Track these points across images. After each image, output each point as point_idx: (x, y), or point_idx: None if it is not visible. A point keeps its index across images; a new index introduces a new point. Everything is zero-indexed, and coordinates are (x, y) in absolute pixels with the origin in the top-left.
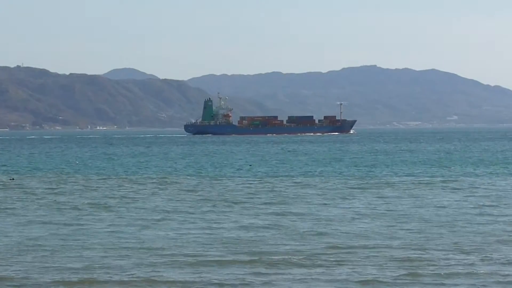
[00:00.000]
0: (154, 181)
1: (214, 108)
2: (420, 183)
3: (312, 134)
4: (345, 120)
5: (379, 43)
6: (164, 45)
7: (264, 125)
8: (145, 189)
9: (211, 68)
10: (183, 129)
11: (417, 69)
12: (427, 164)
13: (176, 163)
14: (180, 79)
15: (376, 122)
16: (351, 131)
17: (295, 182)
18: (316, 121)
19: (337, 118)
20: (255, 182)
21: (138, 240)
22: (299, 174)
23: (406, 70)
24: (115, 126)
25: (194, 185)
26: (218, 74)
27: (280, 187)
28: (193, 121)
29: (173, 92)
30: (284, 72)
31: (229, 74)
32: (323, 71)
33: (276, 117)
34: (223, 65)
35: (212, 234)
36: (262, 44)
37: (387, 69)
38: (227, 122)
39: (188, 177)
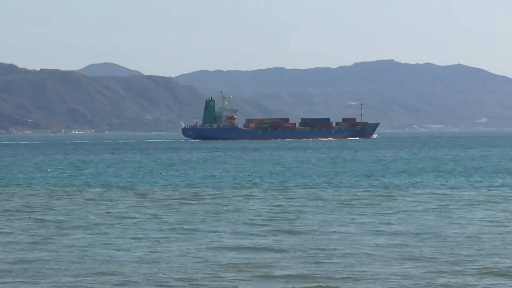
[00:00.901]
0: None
1: (216, 109)
2: None
3: (329, 139)
4: (367, 123)
5: (397, 34)
6: (150, 36)
7: (274, 128)
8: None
9: (204, 63)
10: (181, 133)
11: (441, 64)
12: None
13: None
14: (167, 75)
15: (393, 125)
16: (374, 136)
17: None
18: (334, 124)
19: (357, 121)
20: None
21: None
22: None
23: (427, 66)
24: (93, 130)
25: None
26: (211, 70)
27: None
28: (194, 123)
29: (160, 91)
30: (287, 67)
31: (224, 70)
32: (332, 67)
33: (287, 120)
34: (217, 59)
35: None
36: (262, 36)
37: (406, 64)
38: (231, 125)
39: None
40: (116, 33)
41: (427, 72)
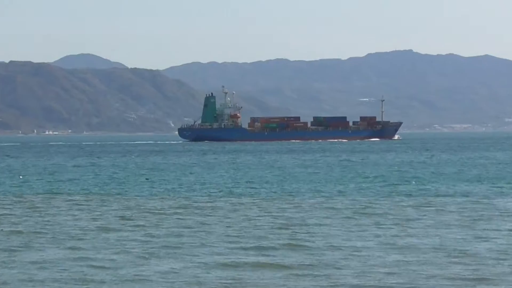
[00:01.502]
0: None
1: (218, 106)
2: None
3: (346, 140)
4: (388, 122)
5: (416, 21)
6: (134, 24)
7: (283, 128)
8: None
9: (196, 55)
10: (178, 134)
11: (466, 55)
12: None
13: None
14: (154, 68)
15: (411, 125)
16: (396, 137)
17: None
18: (350, 124)
19: (377, 120)
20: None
21: None
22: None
23: (451, 57)
24: (70, 131)
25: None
26: (204, 62)
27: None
28: (192, 122)
29: (146, 86)
30: (291, 59)
31: (219, 61)
32: (342, 58)
33: (298, 118)
34: (211, 50)
35: None
36: (262, 23)
37: (427, 55)
38: (234, 124)
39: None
40: (96, 20)
41: (450, 64)
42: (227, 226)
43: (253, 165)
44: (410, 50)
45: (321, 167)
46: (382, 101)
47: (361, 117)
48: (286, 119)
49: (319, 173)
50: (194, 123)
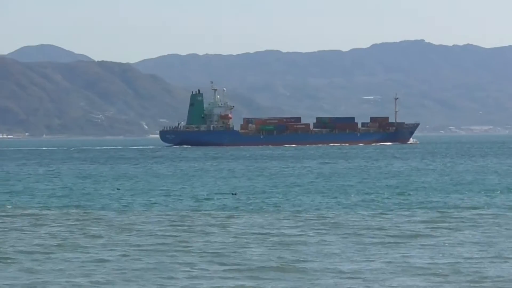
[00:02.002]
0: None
1: (205, 105)
2: None
3: (354, 144)
4: (403, 123)
5: (429, 7)
6: (102, 10)
7: (281, 130)
8: None
9: (173, 46)
10: (159, 137)
11: (486, 46)
12: None
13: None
14: (125, 61)
15: (423, 127)
16: (411, 140)
17: None
18: (359, 125)
19: (390, 121)
20: None
21: None
22: None
23: (469, 48)
24: (27, 134)
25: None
26: (183, 54)
27: None
28: (177, 124)
29: (115, 82)
30: (284, 50)
31: (200, 53)
32: (343, 50)
33: (298, 119)
34: (191, 40)
35: None
36: (251, 9)
37: (441, 46)
38: (225, 126)
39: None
40: (58, 6)
41: (468, 56)
42: (205, 244)
43: (248, 173)
44: (422, 40)
45: (324, 174)
46: (396, 99)
47: (371, 118)
48: (285, 120)
49: (317, 182)
50: (178, 125)
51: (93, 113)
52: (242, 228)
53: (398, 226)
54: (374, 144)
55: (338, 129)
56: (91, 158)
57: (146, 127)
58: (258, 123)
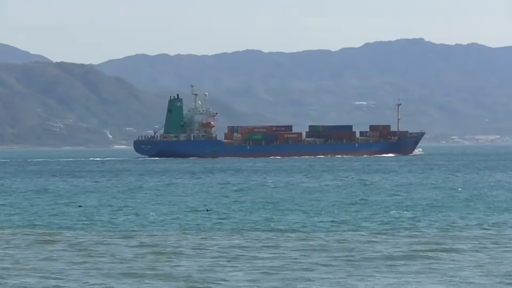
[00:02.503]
0: None
1: (185, 112)
2: None
3: (351, 155)
4: (406, 132)
5: (429, 3)
6: (60, 5)
7: (270, 140)
8: None
9: (141, 45)
10: (133, 148)
11: (493, 45)
12: None
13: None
14: (87, 62)
15: (423, 136)
16: (416, 151)
17: None
18: (357, 135)
19: (392, 130)
20: None
21: None
22: None
23: (473, 48)
24: None
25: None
26: (152, 54)
27: None
28: (152, 133)
29: (76, 85)
30: (265, 50)
31: (171, 54)
32: (332, 49)
33: (289, 128)
34: (160, 39)
35: None
36: (230, 3)
37: (442, 45)
38: (208, 135)
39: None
40: (11, 2)
41: (472, 57)
42: (174, 268)
43: (223, 189)
44: (421, 39)
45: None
46: (399, 105)
47: (371, 126)
48: (274, 129)
49: (306, 200)
50: (155, 134)
51: (50, 121)
52: (217, 250)
53: (393, 249)
54: (376, 155)
55: (333, 138)
56: (48, 171)
57: (110, 136)
58: (244, 132)
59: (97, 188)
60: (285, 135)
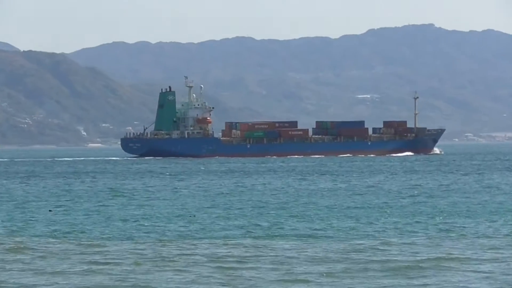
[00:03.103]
0: None
1: (178, 106)
2: None
3: (364, 153)
4: (424, 129)
5: None
6: None
7: (273, 138)
8: None
9: (118, 32)
10: (120, 146)
11: (511, 31)
12: None
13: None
14: (58, 51)
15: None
16: (435, 150)
17: None
18: (370, 131)
19: (408, 126)
20: None
21: None
22: None
23: (489, 34)
24: None
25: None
26: (130, 42)
27: None
28: (142, 129)
29: (46, 77)
30: (257, 37)
31: (152, 42)
32: (332, 36)
33: (294, 124)
34: (141, 25)
35: None
36: None
37: (454, 32)
38: (204, 133)
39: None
40: None
41: (488, 45)
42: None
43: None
44: (431, 25)
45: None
46: (416, 98)
47: (384, 123)
48: (277, 125)
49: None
50: (145, 130)
51: (17, 117)
52: (199, 261)
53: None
54: (394, 155)
55: (343, 136)
56: (15, 172)
57: (84, 133)
58: (244, 129)
59: (70, 190)
60: (290, 132)
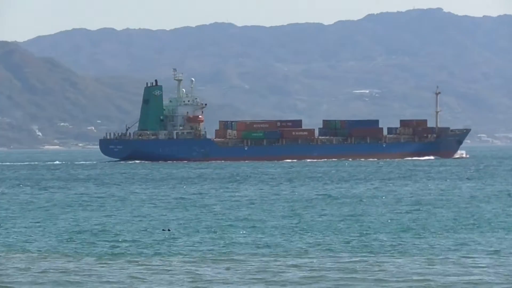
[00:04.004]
0: None
1: (166, 102)
2: None
3: (379, 157)
4: (447, 129)
5: None
6: None
7: (274, 139)
8: None
9: (79, 17)
10: (98, 148)
11: None
12: None
13: None
14: (10, 39)
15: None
16: (460, 153)
17: None
18: (385, 132)
19: (429, 126)
20: None
21: None
22: None
23: (505, 20)
24: None
25: None
26: (93, 28)
27: None
28: (124, 129)
29: None
30: (238, 24)
31: (118, 28)
32: (326, 23)
33: (298, 123)
34: (104, 9)
35: None
36: None
37: (466, 17)
38: (194, 133)
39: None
40: None
41: (504, 32)
42: None
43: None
44: (439, 10)
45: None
46: (437, 94)
47: (401, 122)
48: (279, 124)
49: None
50: (127, 130)
51: None
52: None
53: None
54: (415, 158)
55: (354, 137)
56: None
57: (40, 134)
58: (241, 129)
59: (32, 201)
60: (293, 133)
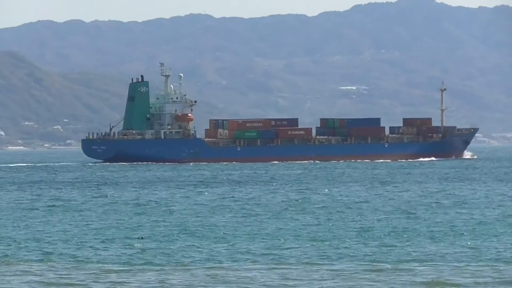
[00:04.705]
0: None
1: (153, 100)
2: None
3: (380, 158)
4: (453, 128)
5: None
6: None
7: (269, 138)
8: None
9: (45, 9)
10: (80, 149)
11: None
12: None
13: None
14: None
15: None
16: (467, 154)
17: None
18: (387, 131)
19: (434, 125)
20: None
21: None
22: None
23: (503, 11)
24: None
25: None
26: (60, 20)
27: None
28: (108, 129)
29: None
30: (217, 15)
31: (86, 20)
32: (309, 14)
33: (294, 122)
34: (71, 2)
35: None
36: None
37: (460, 8)
38: (183, 132)
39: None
40: None
41: (502, 24)
42: None
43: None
44: (431, 0)
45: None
46: (443, 90)
47: (404, 120)
48: (273, 123)
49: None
50: (111, 130)
51: None
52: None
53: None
54: (421, 159)
55: (355, 136)
56: None
57: (2, 133)
58: (232, 128)
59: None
60: (289, 132)
